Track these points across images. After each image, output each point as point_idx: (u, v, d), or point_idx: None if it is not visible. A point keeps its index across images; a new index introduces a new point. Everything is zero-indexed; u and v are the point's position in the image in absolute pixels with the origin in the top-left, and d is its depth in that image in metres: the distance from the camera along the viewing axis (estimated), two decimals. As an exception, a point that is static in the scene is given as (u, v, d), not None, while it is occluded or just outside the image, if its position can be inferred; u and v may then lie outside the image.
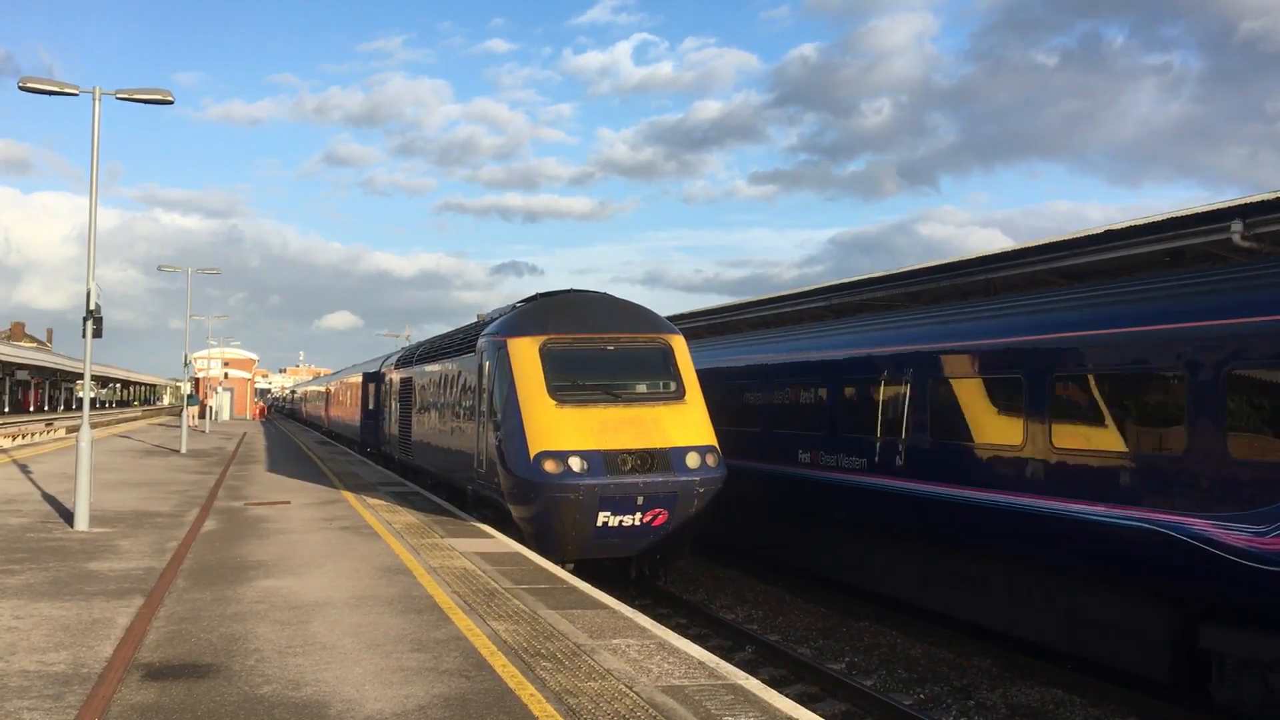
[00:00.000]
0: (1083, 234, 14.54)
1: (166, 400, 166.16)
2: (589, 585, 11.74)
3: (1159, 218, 13.27)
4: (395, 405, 28.42)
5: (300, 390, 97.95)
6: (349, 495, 21.36)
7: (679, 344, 15.57)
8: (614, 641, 8.98)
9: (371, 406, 34.83)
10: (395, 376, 28.79)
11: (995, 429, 12.18)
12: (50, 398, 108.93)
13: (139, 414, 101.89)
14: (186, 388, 51.43)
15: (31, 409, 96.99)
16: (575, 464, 13.85)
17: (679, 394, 14.96)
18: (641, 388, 15.05)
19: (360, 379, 38.36)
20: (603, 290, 17.37)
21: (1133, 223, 13.73)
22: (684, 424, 14.59)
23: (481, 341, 16.88)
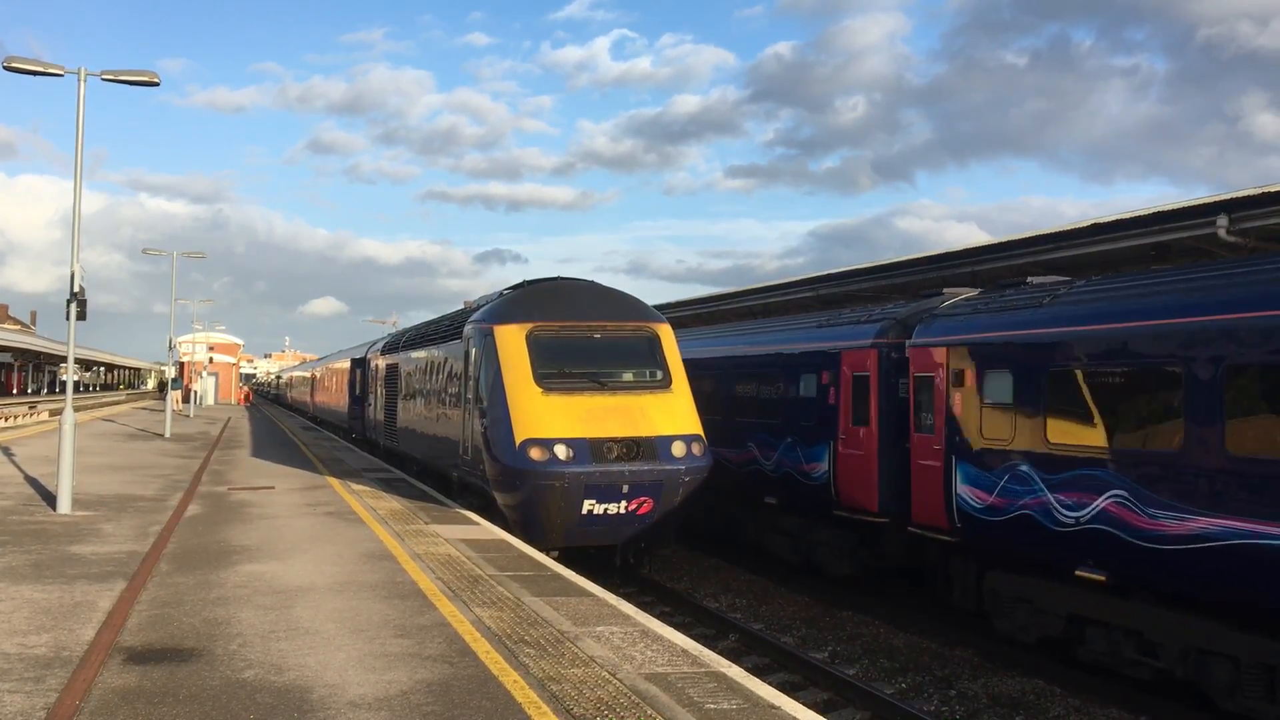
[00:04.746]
0: (1069, 227, 14.61)
1: (151, 384, 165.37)
2: (573, 573, 11.75)
3: (1145, 212, 13.34)
4: (381, 391, 28.35)
5: (286, 376, 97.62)
6: (334, 481, 21.31)
7: (666, 332, 15.56)
8: (598, 629, 8.99)
9: (358, 393, 34.72)
10: (381, 363, 28.70)
11: None
12: (34, 381, 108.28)
13: (123, 398, 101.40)
14: (171, 372, 51.15)
15: (14, 392, 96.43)
16: (561, 451, 13.84)
17: (665, 383, 14.96)
18: (628, 376, 15.04)
19: (346, 365, 38.25)
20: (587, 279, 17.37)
21: (1119, 216, 13.79)
22: (670, 412, 14.60)
23: (468, 328, 16.85)
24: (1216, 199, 12.37)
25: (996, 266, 16.49)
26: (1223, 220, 12.27)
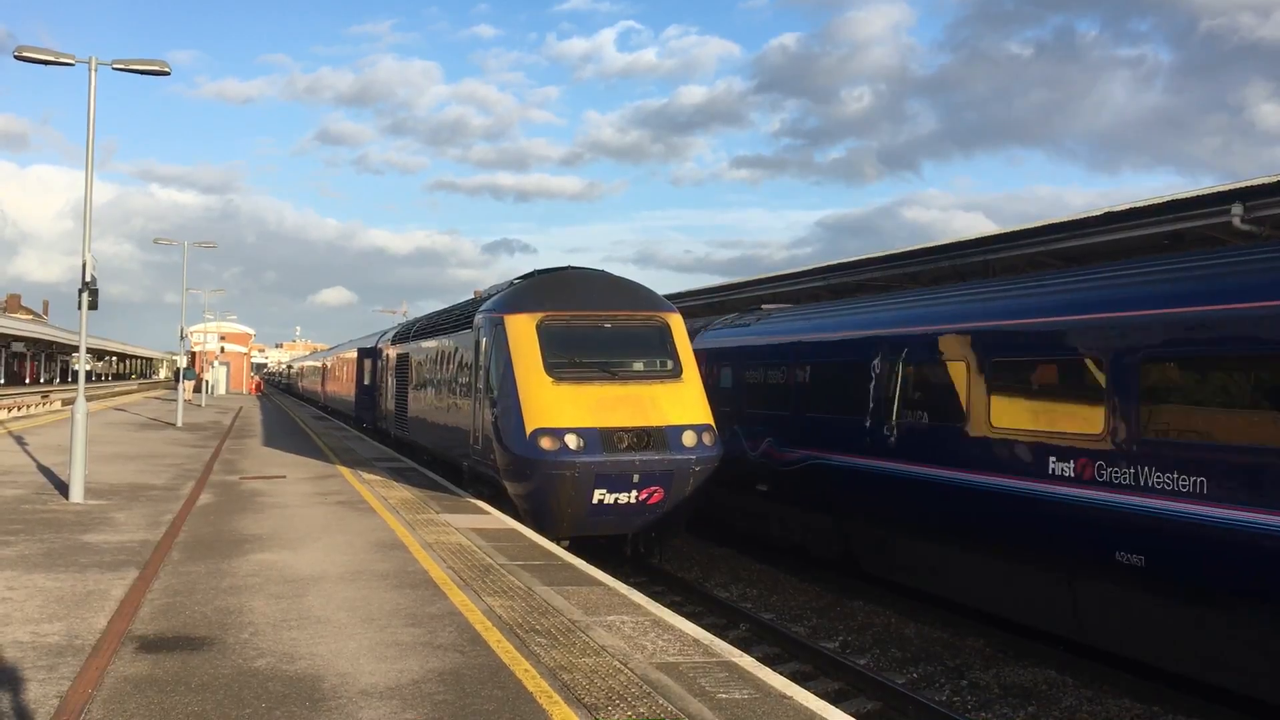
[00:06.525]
0: (1082, 216, 14.51)
1: (163, 374, 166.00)
2: (584, 562, 11.76)
3: (1159, 200, 13.25)
4: (392, 381, 28.39)
5: (297, 365, 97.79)
6: (345, 470, 21.36)
7: (676, 322, 15.53)
8: (609, 618, 8.99)
9: (368, 382, 34.78)
10: (392, 352, 28.74)
11: None
12: (46, 370, 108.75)
13: (135, 387, 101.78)
14: (183, 361, 51.30)
15: (27, 381, 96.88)
16: (571, 441, 13.83)
17: (676, 372, 14.94)
18: (638, 365, 15.03)
19: (356, 354, 38.30)
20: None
21: (1132, 205, 13.70)
22: (681, 402, 14.57)
23: (478, 318, 16.84)
24: (1231, 187, 12.28)
25: (1008, 256, 16.41)
26: (1237, 209, 12.18)
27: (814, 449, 15.26)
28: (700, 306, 27.09)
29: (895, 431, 13.41)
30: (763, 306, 19.45)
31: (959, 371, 12.43)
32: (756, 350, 17.66)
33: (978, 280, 15.35)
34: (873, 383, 13.97)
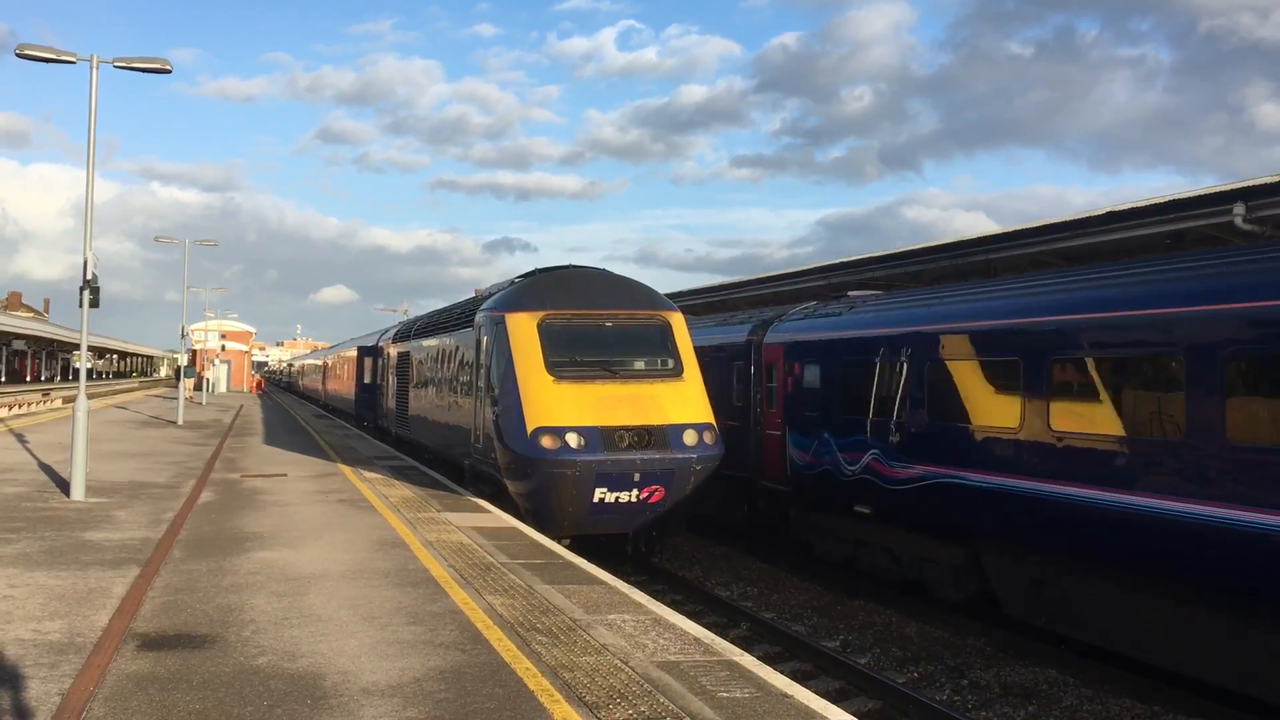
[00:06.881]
0: (1085, 215, 14.53)
1: (164, 372, 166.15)
2: (585, 561, 11.75)
3: (1161, 199, 13.26)
4: (393, 380, 28.40)
5: (298, 364, 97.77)
6: (346, 469, 21.36)
7: (677, 321, 15.52)
8: (610, 617, 8.99)
9: (369, 381, 34.79)
10: (393, 351, 28.74)
11: None
12: (47, 368, 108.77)
13: (136, 385, 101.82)
14: (183, 359, 51.31)
15: (28, 379, 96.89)
16: (572, 440, 13.83)
17: (677, 371, 14.94)
18: (639, 364, 15.02)
19: (357, 353, 38.30)
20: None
21: (1135, 204, 13.71)
22: (682, 401, 14.57)
23: (479, 316, 16.84)
24: (1233, 186, 12.29)
25: (1010, 255, 16.42)
26: (1239, 208, 12.20)
27: (942, 464, 12.45)
28: (700, 305, 27.12)
29: (1082, 447, 10.41)
30: (849, 294, 17.11)
31: (1171, 370, 9.43)
32: (854, 344, 14.73)
33: (1222, 248, 11.94)
34: (1038, 386, 10.96)
